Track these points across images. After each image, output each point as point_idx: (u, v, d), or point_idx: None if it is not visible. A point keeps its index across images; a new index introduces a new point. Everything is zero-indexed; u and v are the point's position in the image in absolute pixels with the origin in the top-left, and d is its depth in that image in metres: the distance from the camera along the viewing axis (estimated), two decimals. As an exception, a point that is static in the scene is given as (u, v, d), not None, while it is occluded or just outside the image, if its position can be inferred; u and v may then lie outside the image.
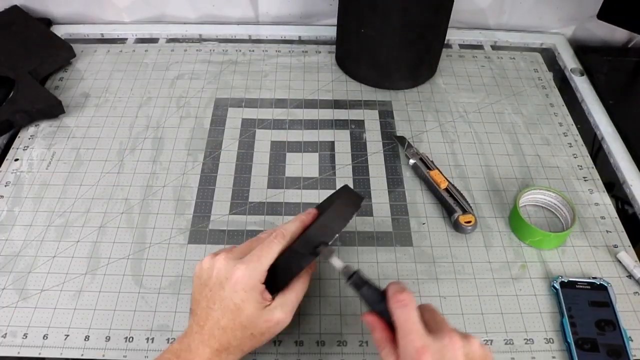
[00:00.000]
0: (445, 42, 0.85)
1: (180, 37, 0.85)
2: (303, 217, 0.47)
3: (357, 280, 0.43)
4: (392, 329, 0.39)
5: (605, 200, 0.62)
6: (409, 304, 0.39)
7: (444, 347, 0.36)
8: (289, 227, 0.45)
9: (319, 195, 0.62)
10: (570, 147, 0.69)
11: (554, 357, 0.49)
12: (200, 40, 0.84)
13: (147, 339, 0.50)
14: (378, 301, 0.41)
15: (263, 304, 0.42)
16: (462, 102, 0.74)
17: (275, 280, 0.44)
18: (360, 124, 0.70)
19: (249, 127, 0.70)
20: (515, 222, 0.58)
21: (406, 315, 0.38)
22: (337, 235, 0.45)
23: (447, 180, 0.61)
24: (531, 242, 0.57)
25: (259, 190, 0.62)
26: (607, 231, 0.59)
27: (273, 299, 0.43)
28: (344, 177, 0.64)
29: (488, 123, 0.71)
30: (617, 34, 0.85)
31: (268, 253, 0.43)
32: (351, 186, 0.63)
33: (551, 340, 0.50)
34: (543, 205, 0.61)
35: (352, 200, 0.47)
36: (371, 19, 0.67)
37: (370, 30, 0.68)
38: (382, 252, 0.56)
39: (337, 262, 0.44)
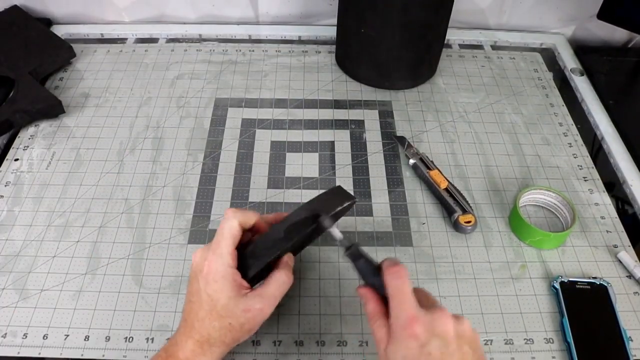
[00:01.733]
0: (445, 42, 0.85)
1: (180, 37, 0.85)
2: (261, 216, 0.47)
3: (354, 252, 0.43)
4: (385, 303, 0.39)
5: (605, 200, 0.62)
6: (403, 276, 0.39)
7: (435, 320, 0.37)
8: (242, 211, 0.45)
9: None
10: (570, 147, 0.69)
11: (553, 357, 0.49)
12: (200, 40, 0.85)
13: (147, 339, 0.50)
14: (373, 275, 0.41)
15: (239, 293, 0.42)
16: (462, 102, 0.74)
17: (254, 268, 0.43)
18: (360, 124, 0.70)
19: (249, 127, 0.70)
20: (515, 222, 0.58)
21: (400, 286, 0.38)
22: (332, 216, 0.45)
23: (447, 180, 0.61)
24: (531, 242, 0.57)
25: (259, 190, 0.62)
26: (607, 231, 0.59)
27: (253, 288, 0.43)
28: (344, 177, 0.64)
29: (488, 123, 0.71)
30: (617, 34, 0.85)
31: (222, 235, 0.43)
32: (351, 186, 0.63)
33: (551, 340, 0.50)
34: (543, 205, 0.61)
35: (345, 195, 0.47)
36: (371, 19, 0.67)
37: (370, 30, 0.68)
38: (382, 252, 0.56)
39: (336, 232, 0.44)
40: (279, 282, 0.43)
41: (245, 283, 0.43)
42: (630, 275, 0.55)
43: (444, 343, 0.36)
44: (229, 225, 0.43)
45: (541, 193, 0.60)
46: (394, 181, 0.64)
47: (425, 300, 0.40)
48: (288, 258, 0.46)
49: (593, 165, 0.66)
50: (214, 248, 0.42)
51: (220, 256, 0.42)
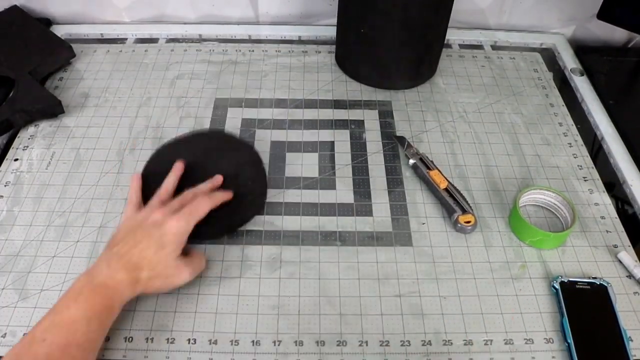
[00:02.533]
0: (445, 42, 0.85)
1: (180, 37, 0.85)
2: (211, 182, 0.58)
3: None
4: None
5: (605, 200, 0.62)
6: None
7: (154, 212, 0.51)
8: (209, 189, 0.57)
9: (319, 196, 0.62)
10: (570, 147, 0.69)
11: (553, 357, 0.49)
12: (200, 40, 0.85)
13: (147, 338, 0.50)
14: None
15: (179, 256, 0.50)
16: (462, 102, 0.74)
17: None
18: (360, 123, 0.70)
19: (249, 127, 0.70)
20: (515, 222, 0.58)
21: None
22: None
23: (447, 180, 0.61)
24: (531, 242, 0.57)
25: (258, 190, 0.62)
26: (607, 231, 0.59)
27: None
28: (344, 176, 0.64)
29: (488, 123, 0.71)
30: (617, 34, 0.85)
31: (198, 213, 0.52)
32: (351, 186, 0.63)
33: (551, 340, 0.50)
34: (543, 205, 0.61)
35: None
36: (371, 19, 0.67)
37: (370, 30, 0.68)
38: (382, 252, 0.56)
39: None
40: (201, 261, 0.53)
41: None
42: (630, 275, 0.55)
43: (153, 226, 0.50)
44: (207, 208, 0.53)
45: (541, 193, 0.60)
46: (394, 181, 0.64)
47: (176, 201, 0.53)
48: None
49: (593, 165, 0.66)
50: (183, 216, 0.51)
51: (187, 224, 0.51)
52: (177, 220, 0.50)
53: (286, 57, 0.81)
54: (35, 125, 0.69)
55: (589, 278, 0.54)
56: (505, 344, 0.50)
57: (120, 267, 0.47)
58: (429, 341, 0.50)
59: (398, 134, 0.69)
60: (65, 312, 0.44)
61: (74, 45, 0.78)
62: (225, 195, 0.56)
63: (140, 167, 0.64)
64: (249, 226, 0.59)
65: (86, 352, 0.44)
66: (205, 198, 0.53)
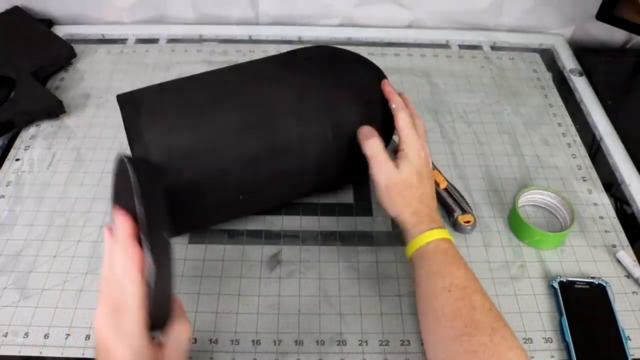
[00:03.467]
0: (445, 42, 0.86)
1: (181, 38, 0.85)
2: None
3: None
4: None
5: (604, 200, 0.63)
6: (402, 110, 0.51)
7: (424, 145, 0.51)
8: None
9: (319, 195, 0.62)
10: (569, 147, 0.69)
11: (552, 357, 0.49)
12: (201, 40, 0.85)
13: (148, 338, 0.50)
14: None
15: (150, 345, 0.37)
16: (462, 103, 0.75)
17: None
18: (360, 124, 0.71)
19: (249, 128, 0.70)
20: (515, 222, 0.58)
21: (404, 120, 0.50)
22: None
23: (447, 180, 0.61)
24: (530, 242, 0.57)
25: (259, 190, 0.62)
26: (605, 231, 0.59)
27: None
28: (344, 177, 0.64)
29: (487, 123, 0.72)
30: (615, 35, 0.85)
31: (127, 307, 0.35)
32: (351, 186, 0.63)
33: (550, 340, 0.50)
34: (542, 205, 0.61)
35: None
36: None
37: None
38: (382, 252, 0.57)
39: None
40: (179, 341, 0.39)
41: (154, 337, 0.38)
42: (629, 275, 0.55)
43: (427, 159, 0.51)
44: (137, 291, 0.35)
45: (540, 193, 0.60)
46: (394, 181, 0.64)
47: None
48: (181, 305, 0.40)
49: (592, 166, 0.67)
50: (120, 326, 0.35)
51: (130, 337, 0.35)
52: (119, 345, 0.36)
53: (286, 57, 0.81)
54: (37, 126, 0.70)
55: (588, 278, 0.54)
56: (504, 343, 0.50)
57: None
58: (429, 340, 0.50)
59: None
60: None
61: (75, 46, 0.78)
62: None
63: (141, 167, 0.65)
64: (249, 226, 0.59)
65: None
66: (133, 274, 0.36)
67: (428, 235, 0.46)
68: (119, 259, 0.36)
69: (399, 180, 0.48)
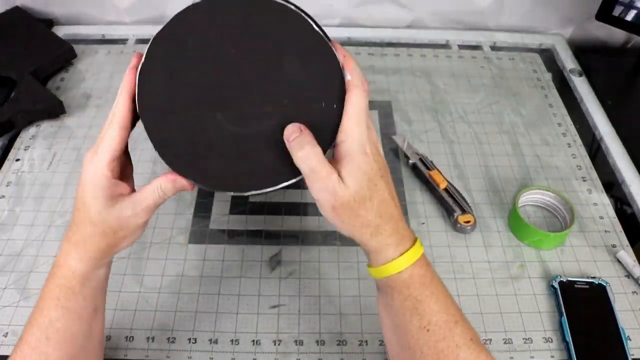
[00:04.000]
0: (445, 42, 0.86)
1: (181, 38, 0.85)
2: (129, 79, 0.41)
3: None
4: None
5: (604, 200, 0.63)
6: (364, 84, 0.39)
7: (373, 142, 0.39)
8: (118, 107, 0.40)
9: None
10: (569, 147, 0.69)
11: (552, 357, 0.49)
12: (201, 40, 0.85)
13: (148, 338, 0.50)
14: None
15: (112, 201, 0.39)
16: (462, 103, 0.75)
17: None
18: (360, 124, 0.71)
19: (249, 128, 0.70)
20: (515, 222, 0.58)
21: (362, 101, 0.38)
22: None
23: (447, 180, 0.61)
24: (530, 242, 0.57)
25: (259, 190, 0.62)
26: (605, 231, 0.59)
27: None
28: (344, 177, 0.64)
29: (487, 123, 0.72)
30: (615, 35, 0.85)
31: (103, 144, 0.39)
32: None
33: (550, 340, 0.51)
34: (542, 205, 0.61)
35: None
36: None
37: None
38: (381, 252, 0.57)
39: None
40: (153, 187, 0.41)
41: (123, 189, 0.41)
42: (629, 275, 0.55)
43: (381, 165, 0.39)
44: (112, 134, 0.40)
45: (540, 193, 0.60)
46: (394, 181, 0.64)
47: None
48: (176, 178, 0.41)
49: (592, 166, 0.67)
50: (91, 155, 0.40)
51: (94, 165, 0.39)
52: (87, 158, 0.40)
53: (286, 57, 0.81)
54: (37, 126, 0.70)
55: (588, 278, 0.54)
56: (505, 343, 0.50)
57: (65, 240, 0.40)
58: (429, 340, 0.50)
59: (398, 134, 0.69)
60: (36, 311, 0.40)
61: (75, 46, 0.78)
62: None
63: (140, 168, 0.65)
64: (249, 226, 0.59)
65: (60, 342, 0.39)
66: (112, 119, 0.40)
67: (397, 263, 0.38)
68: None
69: (348, 198, 0.36)
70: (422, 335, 0.37)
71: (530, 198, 0.61)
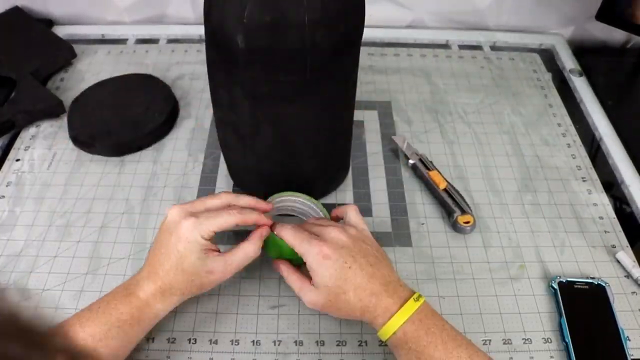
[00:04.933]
0: (445, 42, 0.86)
1: (181, 38, 0.85)
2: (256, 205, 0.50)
3: None
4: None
5: (603, 201, 0.63)
6: (282, 229, 0.47)
7: (332, 238, 0.45)
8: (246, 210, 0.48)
9: (318, 195, 0.62)
10: (569, 147, 0.69)
11: (552, 357, 0.49)
12: (201, 40, 0.85)
13: (148, 338, 0.50)
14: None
15: (206, 255, 0.45)
16: (462, 103, 0.75)
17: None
18: (359, 124, 0.71)
19: (249, 128, 0.70)
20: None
21: (290, 235, 0.46)
22: None
23: (446, 180, 0.61)
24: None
25: (259, 191, 0.62)
26: (605, 231, 0.59)
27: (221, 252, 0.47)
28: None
29: (487, 123, 0.72)
30: (615, 35, 0.85)
31: (218, 221, 0.45)
32: (351, 187, 0.63)
33: (549, 340, 0.51)
34: (292, 214, 0.57)
35: None
36: None
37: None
38: (381, 252, 0.57)
39: None
40: (244, 251, 0.46)
41: (214, 247, 0.47)
42: (629, 275, 0.55)
43: (348, 249, 0.45)
44: (231, 221, 0.46)
45: (290, 200, 0.56)
46: (393, 182, 0.64)
47: (317, 227, 0.47)
48: (263, 230, 0.48)
49: (592, 166, 0.67)
50: (201, 218, 0.45)
51: (201, 225, 0.45)
52: (192, 221, 0.45)
53: (286, 57, 0.81)
54: (37, 126, 0.70)
55: (587, 278, 0.54)
56: (504, 343, 0.50)
57: (150, 282, 0.45)
58: (428, 341, 0.50)
59: (398, 134, 0.69)
60: (93, 313, 0.44)
61: (75, 46, 0.79)
62: (257, 218, 0.48)
63: (141, 168, 0.65)
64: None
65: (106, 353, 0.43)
66: (235, 212, 0.47)
67: (388, 328, 0.43)
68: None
69: (324, 301, 0.44)
70: None
71: (280, 206, 0.56)
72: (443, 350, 0.41)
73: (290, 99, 0.48)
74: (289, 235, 0.47)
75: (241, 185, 0.62)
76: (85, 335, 0.42)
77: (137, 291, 0.45)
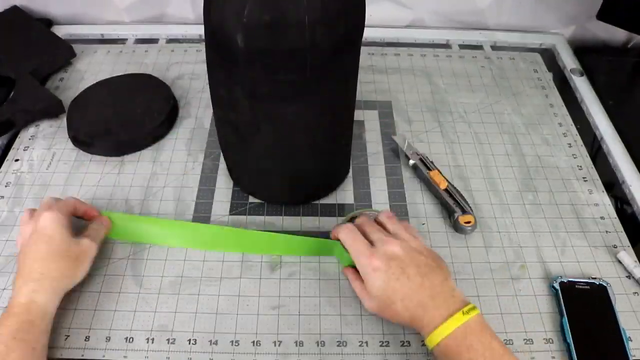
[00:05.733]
0: (445, 42, 0.86)
1: (180, 38, 0.85)
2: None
3: None
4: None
5: (604, 201, 0.62)
6: (342, 232, 0.50)
7: (385, 249, 0.47)
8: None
9: (318, 195, 0.62)
10: (569, 147, 0.69)
11: (553, 358, 0.49)
12: (201, 40, 0.85)
13: (147, 339, 0.50)
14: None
15: (72, 236, 0.50)
16: (462, 103, 0.74)
17: None
18: (360, 124, 0.71)
19: (249, 128, 0.70)
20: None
21: (347, 241, 0.49)
22: None
23: (447, 180, 0.61)
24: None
25: (259, 191, 0.62)
26: (606, 231, 0.59)
27: None
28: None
29: (488, 123, 0.72)
30: (616, 35, 0.85)
31: (67, 202, 0.53)
32: (351, 187, 0.63)
33: (550, 341, 0.50)
34: None
35: None
36: None
37: None
38: (382, 253, 0.57)
39: None
40: (106, 225, 0.55)
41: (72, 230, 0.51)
42: (630, 276, 0.55)
43: (399, 261, 0.46)
44: (70, 202, 0.54)
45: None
46: (394, 182, 0.64)
47: (377, 234, 0.49)
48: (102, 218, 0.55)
49: (592, 166, 0.66)
50: (53, 207, 0.51)
51: (54, 212, 0.50)
52: (50, 210, 0.50)
53: (286, 57, 0.81)
54: (36, 126, 0.69)
55: (589, 278, 0.54)
56: (505, 344, 0.50)
57: (27, 281, 0.47)
58: (429, 341, 0.50)
59: (398, 134, 0.69)
60: None
61: (74, 46, 0.78)
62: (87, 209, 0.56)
63: (140, 167, 0.65)
64: (249, 226, 0.59)
65: None
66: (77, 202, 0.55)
67: (433, 338, 0.43)
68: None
69: (376, 308, 0.47)
70: None
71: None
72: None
73: (290, 99, 0.48)
74: (344, 236, 0.50)
75: (241, 185, 0.62)
76: None
77: (13, 304, 0.46)
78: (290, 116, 0.50)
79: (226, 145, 0.59)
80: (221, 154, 0.64)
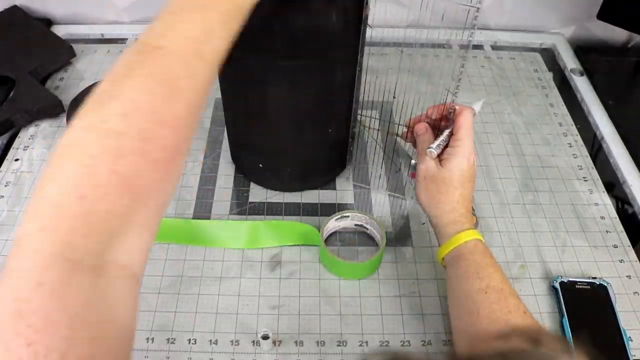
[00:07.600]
0: (445, 42, 0.85)
1: (180, 37, 0.85)
2: None
3: None
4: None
5: (605, 200, 0.62)
6: (470, 112, 0.52)
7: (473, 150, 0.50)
8: None
9: (319, 196, 0.62)
10: (570, 147, 0.69)
11: (553, 357, 0.49)
12: (200, 40, 0.84)
13: (147, 339, 0.50)
14: None
15: None
16: (462, 102, 0.74)
17: None
18: (360, 124, 0.70)
19: (249, 127, 0.70)
20: (324, 258, 0.55)
21: (471, 122, 0.51)
22: None
23: (447, 180, 0.61)
24: (348, 276, 0.54)
25: (259, 190, 0.62)
26: (606, 231, 0.59)
27: None
28: (344, 177, 0.64)
29: (488, 123, 0.71)
30: (616, 34, 0.85)
31: None
32: (351, 186, 0.63)
33: (551, 340, 0.50)
34: (355, 229, 0.58)
35: None
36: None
37: None
38: (382, 252, 0.57)
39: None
40: None
41: None
42: (630, 276, 0.55)
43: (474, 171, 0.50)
44: None
45: (350, 218, 0.57)
46: (394, 182, 0.64)
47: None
48: None
49: (593, 166, 0.66)
50: None
51: None
52: None
53: (286, 57, 0.81)
54: (36, 125, 0.69)
55: (589, 278, 0.54)
56: (505, 344, 0.50)
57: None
58: (429, 341, 0.50)
59: (398, 133, 0.69)
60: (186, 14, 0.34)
61: (74, 46, 0.78)
62: None
63: (140, 167, 0.64)
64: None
65: (208, 65, 0.34)
66: None
67: (465, 234, 0.46)
68: None
69: (436, 175, 0.49)
70: (479, 297, 0.43)
71: (338, 225, 0.57)
72: (500, 275, 0.44)
73: (291, 83, 0.49)
74: (470, 119, 0.51)
75: (243, 171, 0.63)
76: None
77: None
78: (290, 99, 0.51)
79: (233, 126, 0.60)
80: (221, 153, 0.64)
